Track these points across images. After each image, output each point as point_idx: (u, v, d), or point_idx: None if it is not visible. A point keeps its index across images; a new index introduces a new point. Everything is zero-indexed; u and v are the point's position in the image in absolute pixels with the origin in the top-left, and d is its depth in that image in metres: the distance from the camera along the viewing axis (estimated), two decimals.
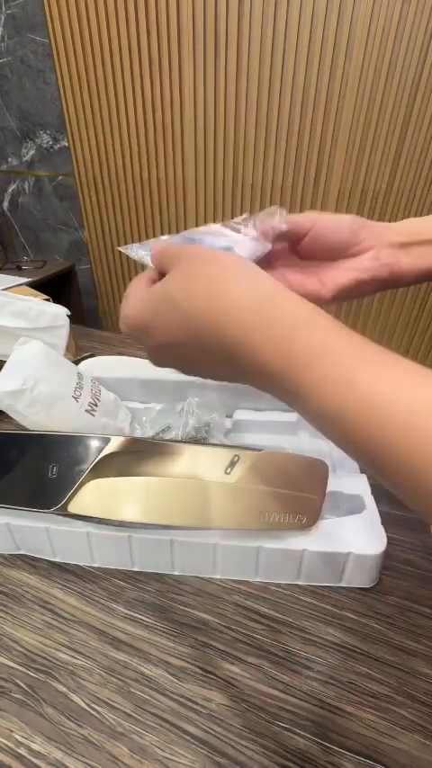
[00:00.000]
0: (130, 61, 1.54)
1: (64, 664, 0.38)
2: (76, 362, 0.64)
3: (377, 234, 0.33)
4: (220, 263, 0.25)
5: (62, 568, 0.46)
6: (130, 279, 0.33)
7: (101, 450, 0.43)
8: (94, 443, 0.43)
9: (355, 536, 0.43)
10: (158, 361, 0.29)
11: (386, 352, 0.20)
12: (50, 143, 1.84)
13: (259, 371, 0.22)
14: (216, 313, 0.23)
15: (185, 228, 0.34)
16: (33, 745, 0.33)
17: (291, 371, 0.20)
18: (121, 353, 0.83)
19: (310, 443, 0.58)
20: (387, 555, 0.42)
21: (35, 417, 0.50)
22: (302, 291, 0.32)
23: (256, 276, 0.24)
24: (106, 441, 0.43)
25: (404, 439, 0.17)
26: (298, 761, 0.32)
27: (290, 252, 0.35)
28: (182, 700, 0.35)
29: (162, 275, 0.27)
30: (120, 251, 0.34)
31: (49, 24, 1.56)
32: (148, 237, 0.33)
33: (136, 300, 0.27)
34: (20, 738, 0.33)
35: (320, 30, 1.34)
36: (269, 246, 0.33)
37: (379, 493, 0.47)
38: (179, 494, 0.42)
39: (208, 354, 0.24)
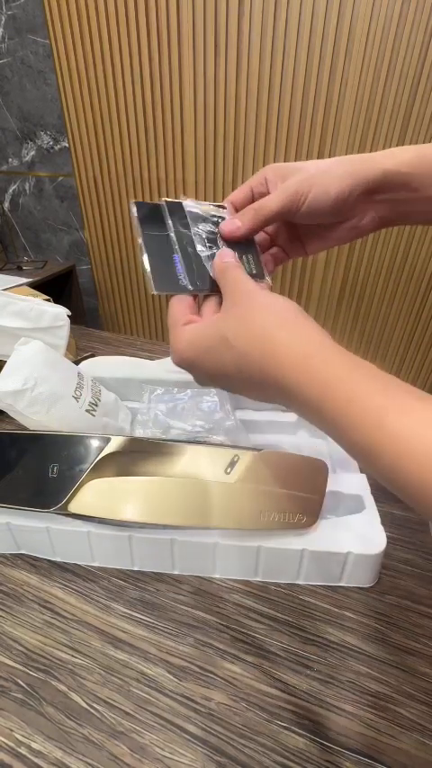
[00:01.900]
0: (130, 61, 1.54)
1: (64, 663, 0.38)
2: (77, 362, 0.64)
3: (365, 194, 0.34)
4: (273, 310, 0.27)
5: (62, 568, 0.46)
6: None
7: (101, 449, 0.43)
8: (95, 443, 0.43)
9: (354, 536, 0.43)
10: (205, 385, 0.33)
11: (410, 393, 0.22)
12: (51, 143, 1.84)
13: (300, 407, 0.25)
14: (265, 356, 0.26)
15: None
16: (34, 745, 0.33)
17: (328, 413, 0.23)
18: (121, 353, 0.83)
19: (310, 443, 0.58)
20: (387, 554, 0.42)
21: (36, 417, 0.50)
22: (287, 258, 0.40)
23: (304, 326, 0.26)
24: (106, 440, 0.43)
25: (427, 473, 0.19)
26: (298, 760, 0.32)
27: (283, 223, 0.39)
28: (182, 699, 0.36)
29: (204, 296, 0.33)
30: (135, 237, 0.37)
31: (50, 25, 1.56)
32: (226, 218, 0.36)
33: (188, 338, 0.30)
34: (20, 737, 0.33)
35: (320, 30, 1.34)
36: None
37: (379, 493, 0.47)
38: (179, 494, 0.42)
39: (255, 386, 0.28)
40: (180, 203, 0.36)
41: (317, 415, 0.24)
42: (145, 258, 0.32)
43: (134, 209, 0.34)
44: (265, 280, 0.36)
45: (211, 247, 0.35)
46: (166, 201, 0.35)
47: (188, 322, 0.31)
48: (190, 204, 0.36)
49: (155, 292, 0.32)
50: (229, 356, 0.27)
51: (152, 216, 0.35)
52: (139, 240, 0.33)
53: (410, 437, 0.20)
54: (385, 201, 0.35)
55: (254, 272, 0.35)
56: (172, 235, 0.34)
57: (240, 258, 0.34)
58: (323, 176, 0.33)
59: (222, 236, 0.35)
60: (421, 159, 0.33)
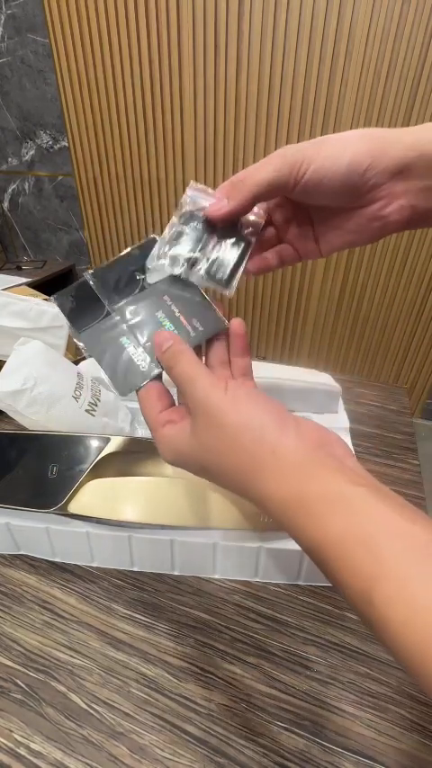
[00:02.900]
0: (130, 61, 1.54)
1: (63, 663, 0.38)
2: (76, 362, 0.64)
3: (390, 174, 0.26)
4: (239, 443, 0.23)
5: (62, 568, 0.46)
6: None
7: (101, 450, 0.43)
8: (94, 443, 0.43)
9: None
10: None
11: (406, 552, 0.18)
12: (50, 143, 1.84)
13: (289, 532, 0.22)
14: (251, 492, 0.23)
15: None
16: (33, 745, 0.33)
17: (321, 550, 0.21)
18: None
19: None
20: None
21: (35, 417, 0.50)
22: (298, 258, 0.32)
23: (276, 465, 0.22)
24: (106, 441, 0.43)
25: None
26: (298, 761, 0.32)
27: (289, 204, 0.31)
28: (181, 699, 0.35)
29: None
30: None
31: (50, 24, 1.56)
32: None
33: (171, 447, 0.26)
34: (19, 738, 0.33)
35: (320, 30, 1.34)
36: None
37: None
38: (179, 494, 0.42)
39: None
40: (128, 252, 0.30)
41: (309, 551, 0.21)
42: (92, 361, 0.28)
43: (56, 305, 0.30)
44: (229, 287, 0.29)
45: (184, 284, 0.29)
46: (91, 273, 0.30)
47: (166, 423, 0.27)
48: (193, 193, 0.29)
49: (120, 396, 0.28)
50: (215, 470, 0.25)
51: (82, 301, 0.30)
52: (77, 343, 0.29)
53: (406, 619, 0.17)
54: (420, 186, 0.26)
55: (218, 275, 0.29)
56: (113, 315, 0.29)
57: (216, 246, 0.29)
58: (335, 142, 0.26)
59: (208, 217, 0.29)
60: None
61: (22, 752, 0.32)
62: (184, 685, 0.36)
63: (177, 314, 0.29)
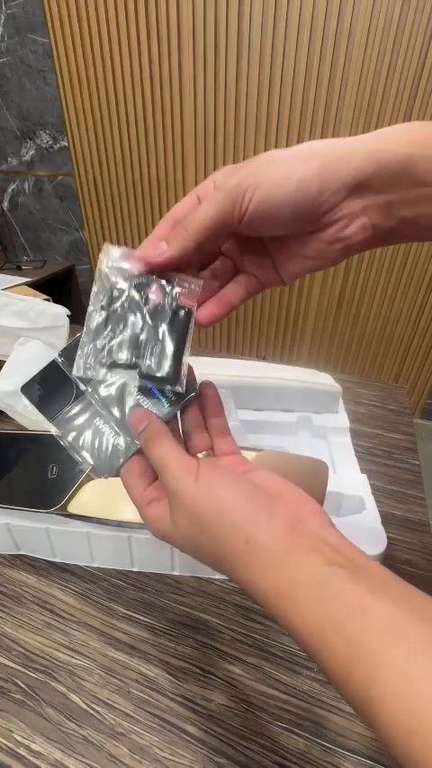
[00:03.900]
0: (130, 61, 1.54)
1: (63, 664, 0.38)
2: None
3: (345, 192, 0.23)
4: (215, 532, 0.23)
5: (62, 568, 0.46)
6: None
7: None
8: None
9: (355, 536, 0.42)
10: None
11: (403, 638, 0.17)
12: (50, 143, 1.84)
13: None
14: (237, 573, 0.23)
15: None
16: (33, 746, 0.33)
17: (303, 638, 0.21)
18: None
19: (310, 443, 0.58)
20: (387, 555, 0.42)
21: (35, 417, 0.50)
22: (261, 288, 0.29)
23: (253, 556, 0.22)
24: None
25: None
26: (298, 761, 0.32)
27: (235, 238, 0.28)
28: (181, 700, 0.35)
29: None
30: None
31: (49, 24, 1.56)
32: (147, 237, 0.27)
33: (155, 525, 0.26)
34: (20, 738, 0.33)
35: (320, 30, 1.34)
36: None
37: (379, 493, 0.47)
38: None
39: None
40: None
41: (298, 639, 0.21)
42: (71, 452, 0.28)
43: (26, 398, 0.29)
44: (178, 382, 0.26)
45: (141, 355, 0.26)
46: (59, 353, 0.28)
47: (150, 502, 0.26)
48: (111, 264, 0.26)
49: (105, 477, 0.28)
50: (196, 555, 0.25)
51: (50, 386, 0.28)
52: (54, 431, 0.28)
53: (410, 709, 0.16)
54: (381, 201, 0.24)
55: (159, 372, 0.26)
56: (84, 395, 0.28)
57: (149, 330, 0.26)
58: (280, 162, 0.23)
59: (141, 265, 0.26)
60: (428, 136, 0.22)
61: (23, 752, 0.32)
62: (184, 685, 0.36)
63: (149, 386, 0.27)
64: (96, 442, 0.28)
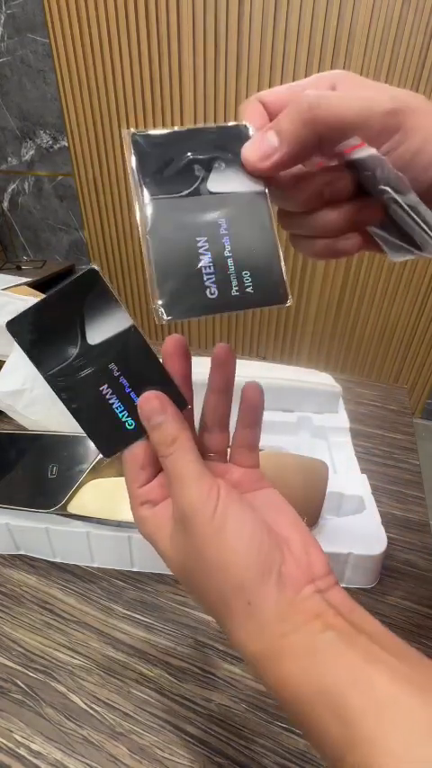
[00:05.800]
0: (130, 61, 1.54)
1: (63, 664, 0.38)
2: None
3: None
4: (228, 565, 0.21)
5: (61, 568, 0.46)
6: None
7: None
8: None
9: (355, 536, 0.43)
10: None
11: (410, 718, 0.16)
12: (50, 143, 1.84)
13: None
14: (229, 619, 0.22)
15: None
16: (33, 746, 0.33)
17: (289, 709, 0.19)
18: None
19: (311, 443, 0.58)
20: (387, 555, 0.42)
21: (35, 417, 0.50)
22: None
23: (262, 602, 0.20)
24: None
25: None
26: (298, 761, 0.32)
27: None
28: (181, 700, 0.35)
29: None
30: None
31: (49, 24, 1.56)
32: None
33: (146, 530, 0.25)
34: (19, 738, 0.33)
35: (320, 31, 1.34)
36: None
37: (380, 493, 0.47)
38: None
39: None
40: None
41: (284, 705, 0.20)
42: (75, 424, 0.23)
43: (13, 337, 0.23)
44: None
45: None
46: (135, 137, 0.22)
47: (144, 502, 0.24)
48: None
49: (106, 460, 0.24)
50: (189, 589, 0.23)
51: (47, 328, 0.23)
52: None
53: None
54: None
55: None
56: (86, 369, 0.22)
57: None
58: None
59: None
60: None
61: (23, 752, 0.32)
62: (184, 685, 0.36)
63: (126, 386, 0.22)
64: (98, 416, 0.23)
